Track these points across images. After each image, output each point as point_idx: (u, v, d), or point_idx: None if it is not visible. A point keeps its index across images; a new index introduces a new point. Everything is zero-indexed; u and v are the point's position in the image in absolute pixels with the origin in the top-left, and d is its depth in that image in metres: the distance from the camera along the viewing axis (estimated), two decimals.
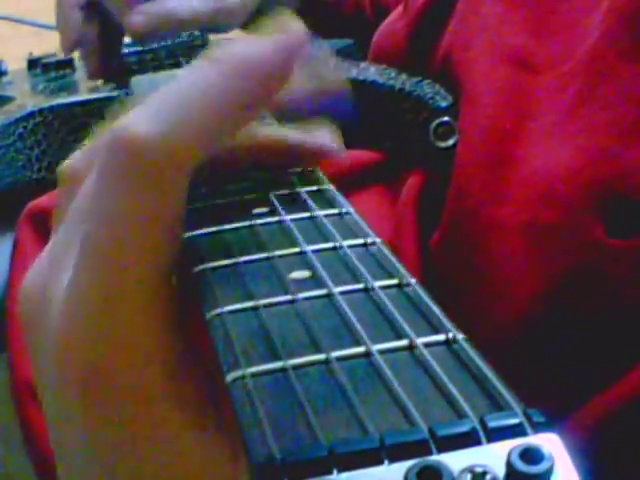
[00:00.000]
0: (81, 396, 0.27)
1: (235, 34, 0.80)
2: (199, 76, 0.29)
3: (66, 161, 0.32)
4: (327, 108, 0.39)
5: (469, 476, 0.19)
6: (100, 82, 0.71)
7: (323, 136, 0.36)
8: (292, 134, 0.36)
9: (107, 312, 0.27)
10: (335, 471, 0.20)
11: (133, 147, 0.27)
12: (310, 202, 0.33)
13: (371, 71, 0.56)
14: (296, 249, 0.30)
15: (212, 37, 0.76)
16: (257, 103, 0.30)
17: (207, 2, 0.70)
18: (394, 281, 0.28)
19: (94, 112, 0.64)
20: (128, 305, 0.27)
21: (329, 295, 0.27)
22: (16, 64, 0.80)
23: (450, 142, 0.49)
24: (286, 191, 0.34)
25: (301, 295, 0.27)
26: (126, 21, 0.67)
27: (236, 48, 0.29)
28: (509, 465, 0.19)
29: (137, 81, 0.62)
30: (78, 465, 0.29)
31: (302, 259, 0.29)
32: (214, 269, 0.29)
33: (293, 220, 0.32)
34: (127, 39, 0.75)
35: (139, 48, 0.73)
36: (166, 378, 0.28)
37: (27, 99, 0.69)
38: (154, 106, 0.28)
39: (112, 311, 0.27)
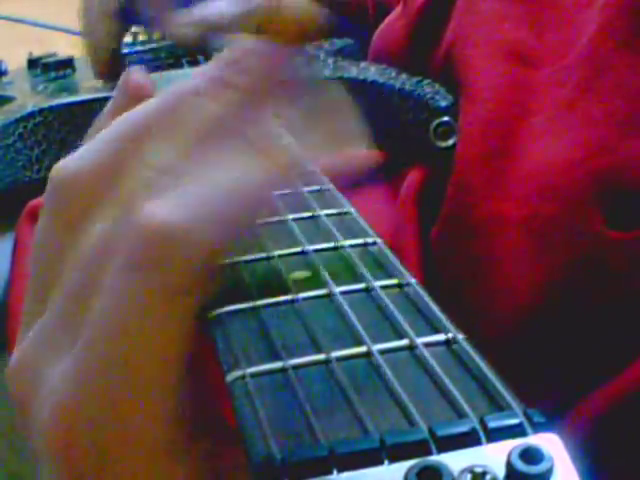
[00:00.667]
0: None
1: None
2: (242, 172, 0.28)
3: (58, 165, 0.31)
4: None
5: (469, 476, 0.19)
6: (100, 82, 0.71)
7: None
8: None
9: (111, 410, 0.26)
10: (335, 471, 0.20)
11: (163, 236, 0.25)
12: (311, 202, 0.33)
13: (371, 71, 0.56)
14: (297, 249, 0.30)
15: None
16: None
17: (240, 4, 0.69)
18: (394, 281, 0.28)
19: (94, 112, 0.64)
20: (134, 408, 0.26)
21: (329, 295, 0.27)
22: (16, 64, 0.80)
23: (450, 142, 0.49)
24: (287, 190, 0.34)
25: (301, 295, 0.27)
26: (173, 32, 0.67)
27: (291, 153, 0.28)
28: (509, 465, 0.19)
29: None
30: None
31: (303, 259, 0.29)
32: None
33: (294, 219, 0.32)
34: (127, 39, 0.75)
35: (139, 48, 0.73)
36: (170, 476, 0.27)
37: (27, 99, 0.69)
38: (190, 194, 0.27)
39: (115, 412, 0.26)
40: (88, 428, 0.26)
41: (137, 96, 0.34)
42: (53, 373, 0.27)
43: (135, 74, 0.35)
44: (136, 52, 0.73)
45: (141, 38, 0.80)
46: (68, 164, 0.30)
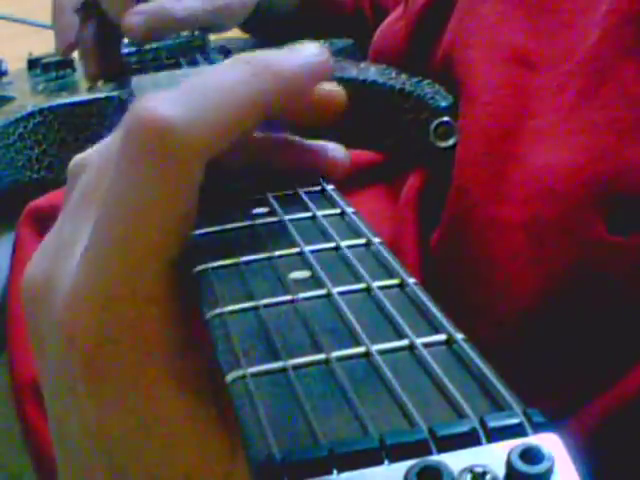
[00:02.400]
0: (86, 373, 0.28)
1: (234, 33, 0.80)
2: (229, 72, 0.30)
3: (77, 156, 0.33)
4: None
5: (469, 476, 0.19)
6: (100, 82, 0.70)
7: (327, 143, 0.37)
8: (297, 137, 0.37)
9: (117, 289, 0.28)
10: (335, 471, 0.20)
11: (157, 127, 0.28)
12: (310, 202, 0.33)
13: (371, 71, 0.56)
14: (296, 249, 0.30)
15: (212, 37, 0.76)
16: (277, 108, 0.32)
17: (205, 1, 0.69)
18: (394, 281, 0.28)
19: (94, 112, 0.64)
20: (138, 283, 0.28)
21: (329, 295, 0.27)
22: (16, 64, 0.80)
23: (450, 142, 0.49)
24: (286, 192, 0.34)
25: (301, 295, 0.27)
26: (123, 22, 0.67)
27: (267, 54, 0.31)
28: (509, 465, 0.19)
29: (137, 81, 0.62)
30: (80, 458, 0.29)
31: (302, 259, 0.29)
32: (214, 269, 0.29)
33: (293, 220, 0.32)
34: (127, 39, 0.75)
35: (139, 48, 0.73)
36: (168, 359, 0.28)
37: (27, 99, 0.69)
38: (181, 92, 0.29)
39: (122, 288, 0.28)
40: (96, 307, 0.28)
41: None
42: (64, 271, 0.29)
43: None
44: (136, 52, 0.73)
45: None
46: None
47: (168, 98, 0.29)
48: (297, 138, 0.36)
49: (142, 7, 0.67)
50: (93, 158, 0.32)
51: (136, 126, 0.28)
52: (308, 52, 0.33)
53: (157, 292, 0.28)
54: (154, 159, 0.28)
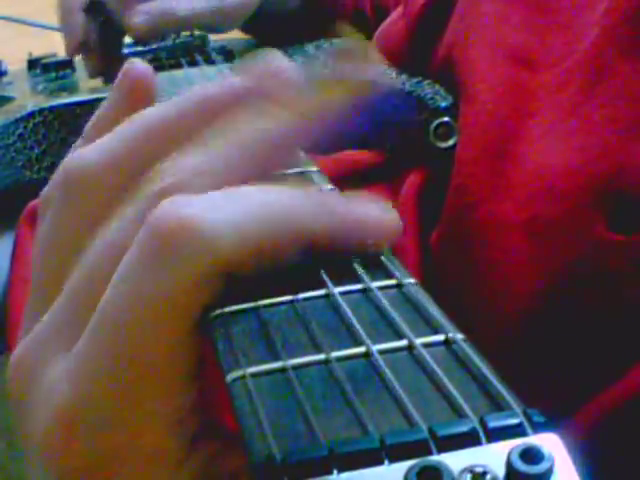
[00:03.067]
0: None
1: (234, 34, 0.80)
2: (290, 196, 0.27)
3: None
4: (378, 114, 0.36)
5: (469, 476, 0.19)
6: (100, 82, 0.71)
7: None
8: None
9: (116, 407, 0.25)
10: (335, 471, 0.20)
11: (196, 238, 0.24)
12: None
13: (371, 71, 0.56)
14: None
15: (212, 37, 0.76)
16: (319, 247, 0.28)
17: (206, 2, 0.70)
18: (394, 281, 0.28)
19: (94, 112, 0.64)
20: (137, 409, 0.25)
21: (329, 295, 0.27)
22: (16, 64, 0.80)
23: (450, 142, 0.49)
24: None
25: (301, 295, 0.27)
26: (126, 21, 0.67)
27: (345, 203, 0.28)
28: (509, 465, 0.19)
29: None
30: None
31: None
32: None
33: None
34: (128, 39, 0.75)
35: (139, 48, 0.73)
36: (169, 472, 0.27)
37: (27, 99, 0.69)
38: (227, 199, 0.26)
39: (123, 406, 0.25)
40: (88, 430, 0.26)
41: (139, 89, 0.33)
42: (54, 372, 0.27)
43: (137, 66, 0.34)
44: (136, 52, 0.73)
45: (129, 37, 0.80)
46: (86, 156, 0.29)
47: (199, 199, 0.25)
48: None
49: (145, 6, 0.67)
50: (55, 245, 0.29)
51: (157, 222, 0.25)
52: (382, 214, 0.28)
53: (170, 400, 0.26)
54: (170, 260, 0.25)
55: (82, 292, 0.27)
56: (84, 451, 0.26)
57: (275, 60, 0.31)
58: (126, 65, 0.34)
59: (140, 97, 0.33)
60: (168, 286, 0.25)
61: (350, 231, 0.28)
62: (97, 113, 0.34)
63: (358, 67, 0.30)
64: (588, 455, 0.23)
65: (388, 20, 0.61)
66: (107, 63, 0.72)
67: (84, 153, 0.30)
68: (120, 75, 0.34)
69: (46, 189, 0.30)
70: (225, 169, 0.28)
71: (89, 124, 0.34)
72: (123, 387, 0.25)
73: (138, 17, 0.67)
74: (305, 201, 0.27)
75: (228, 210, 0.25)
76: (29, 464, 0.28)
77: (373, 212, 0.28)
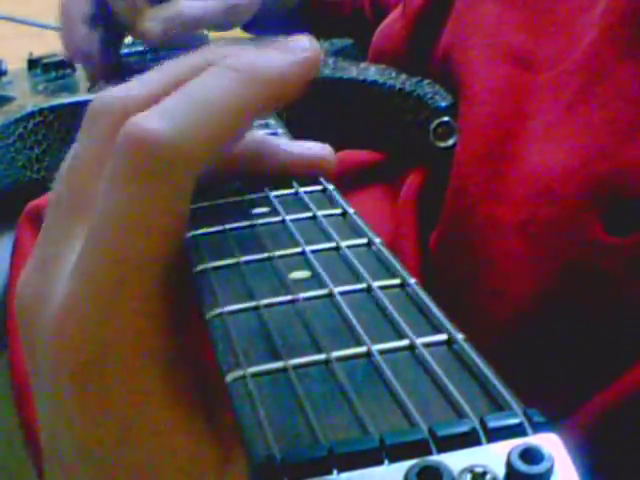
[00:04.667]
0: (76, 387, 0.27)
1: (234, 33, 0.80)
2: (215, 81, 0.30)
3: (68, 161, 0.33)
4: None
5: (469, 476, 0.19)
6: (100, 82, 0.70)
7: (314, 146, 0.37)
8: (283, 142, 0.37)
9: (108, 302, 0.27)
10: (335, 471, 0.20)
11: (152, 144, 0.28)
12: (310, 202, 0.33)
13: (371, 71, 0.56)
14: (296, 249, 0.30)
15: (211, 36, 0.76)
16: (266, 112, 0.32)
17: (217, 3, 0.70)
18: (394, 281, 0.28)
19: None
20: (130, 296, 0.28)
21: (329, 295, 0.27)
22: (16, 64, 0.80)
23: (450, 142, 0.49)
24: (286, 191, 0.34)
25: (301, 295, 0.27)
26: (139, 29, 0.67)
27: (253, 57, 0.31)
28: (509, 465, 0.19)
29: None
30: (68, 469, 0.29)
31: (303, 259, 0.29)
32: (214, 269, 0.29)
33: (293, 220, 0.32)
34: (127, 39, 0.75)
35: (139, 48, 0.73)
36: (160, 372, 0.28)
37: (27, 99, 0.69)
38: (170, 105, 0.29)
39: (113, 301, 0.28)
40: (89, 324, 0.27)
41: None
42: (54, 283, 0.29)
43: None
44: (136, 52, 0.73)
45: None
46: (107, 93, 0.32)
47: (156, 112, 0.29)
48: (284, 143, 0.36)
49: (157, 12, 0.67)
50: (79, 164, 0.32)
51: (125, 143, 0.28)
52: (297, 48, 0.32)
53: (151, 304, 0.28)
54: (145, 175, 0.28)
55: (71, 208, 0.30)
56: (84, 341, 0.27)
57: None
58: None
59: None
60: (148, 196, 0.28)
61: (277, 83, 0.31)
62: None
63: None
64: (588, 455, 0.23)
65: (387, 20, 0.61)
66: (107, 70, 0.71)
67: (105, 92, 0.33)
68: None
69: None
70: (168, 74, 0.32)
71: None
72: (115, 284, 0.28)
73: (152, 24, 0.67)
74: (238, 83, 0.30)
75: (179, 114, 0.29)
76: (37, 381, 0.30)
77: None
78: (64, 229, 0.30)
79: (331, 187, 0.35)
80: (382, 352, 0.24)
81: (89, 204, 0.30)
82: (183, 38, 0.70)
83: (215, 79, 0.30)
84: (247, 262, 0.29)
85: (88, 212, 0.30)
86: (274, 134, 0.41)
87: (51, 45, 0.77)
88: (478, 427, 0.21)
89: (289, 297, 0.27)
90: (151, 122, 0.28)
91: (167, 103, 0.29)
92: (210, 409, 0.28)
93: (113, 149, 0.29)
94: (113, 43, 0.72)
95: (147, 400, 0.28)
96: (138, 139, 0.28)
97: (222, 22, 0.71)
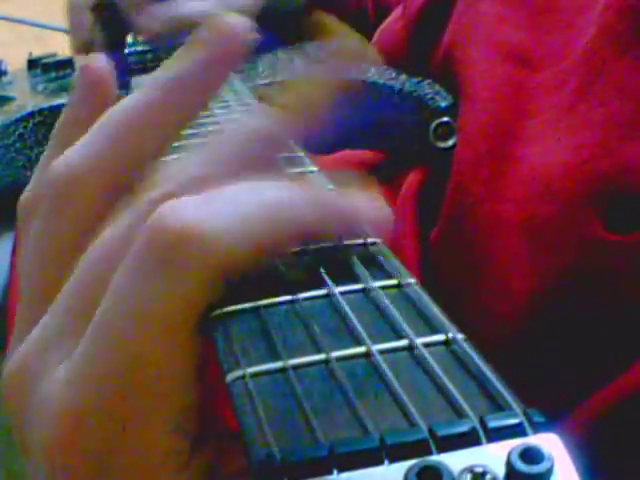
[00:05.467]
0: None
1: None
2: (284, 190, 0.27)
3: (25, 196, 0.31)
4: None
5: (469, 476, 0.19)
6: None
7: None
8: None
9: (112, 418, 0.25)
10: (335, 471, 0.20)
11: (181, 233, 0.24)
12: None
13: (371, 71, 0.56)
14: (295, 249, 0.30)
15: None
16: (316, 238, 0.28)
17: (217, 2, 0.69)
18: (394, 281, 0.28)
19: None
20: (139, 413, 0.25)
21: (329, 295, 0.27)
22: (16, 64, 0.80)
23: (450, 142, 0.49)
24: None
25: (301, 295, 0.27)
26: (138, 23, 0.67)
27: (334, 196, 0.28)
28: (509, 465, 0.19)
29: (137, 82, 0.62)
30: None
31: (303, 259, 0.29)
32: None
33: None
34: (129, 39, 0.75)
35: (139, 48, 0.73)
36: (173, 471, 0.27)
37: (27, 99, 0.68)
38: (215, 199, 0.26)
39: (119, 417, 0.25)
40: (90, 435, 0.25)
41: (98, 86, 0.33)
42: (52, 379, 0.26)
43: (92, 65, 0.34)
44: (136, 52, 0.73)
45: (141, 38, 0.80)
46: (71, 160, 0.29)
47: (197, 202, 0.25)
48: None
49: (158, 8, 0.67)
50: (53, 252, 0.29)
51: (156, 229, 0.25)
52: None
53: (167, 410, 0.26)
54: (171, 267, 0.24)
55: (78, 299, 0.27)
56: (88, 451, 0.25)
57: (221, 21, 0.32)
58: (81, 65, 0.34)
59: (101, 95, 0.33)
60: (171, 294, 0.25)
61: (345, 226, 0.28)
62: (62, 118, 0.34)
63: (348, 65, 0.30)
64: (588, 455, 0.23)
65: (388, 20, 0.61)
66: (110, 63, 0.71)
67: (68, 157, 0.30)
68: (77, 75, 0.34)
69: (26, 196, 0.30)
70: (221, 169, 0.28)
71: (56, 131, 0.34)
72: (125, 389, 0.25)
73: (150, 19, 0.67)
74: (300, 196, 0.27)
75: (227, 212, 0.25)
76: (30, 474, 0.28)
77: (367, 206, 0.28)
78: (67, 314, 0.27)
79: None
80: (382, 352, 0.24)
81: (86, 302, 0.27)
82: (182, 37, 0.70)
83: (284, 189, 0.27)
84: None
85: (83, 306, 0.27)
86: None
87: (51, 45, 0.77)
88: (478, 427, 0.21)
89: (289, 297, 0.27)
90: (194, 213, 0.24)
91: (219, 197, 0.26)
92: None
93: (134, 236, 0.25)
94: (118, 38, 0.72)
95: None
96: (171, 229, 0.24)
97: None
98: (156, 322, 0.25)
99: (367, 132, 0.55)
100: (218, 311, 0.27)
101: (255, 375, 0.24)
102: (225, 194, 0.26)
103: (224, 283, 0.26)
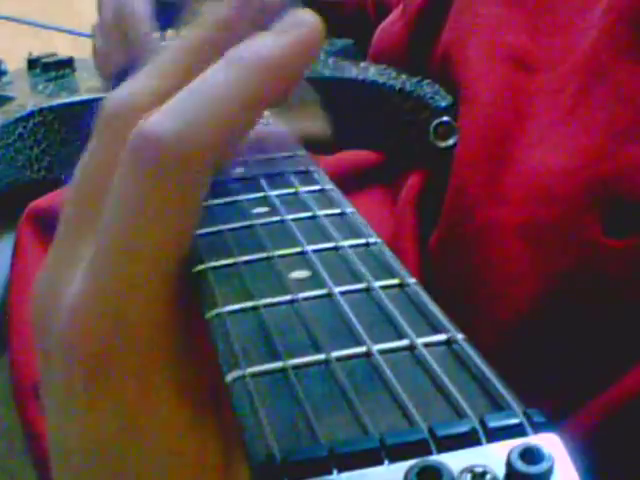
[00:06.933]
0: (87, 383, 0.28)
1: None
2: (221, 76, 0.30)
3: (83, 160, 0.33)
4: None
5: (469, 476, 0.19)
6: (100, 82, 0.70)
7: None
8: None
9: (122, 296, 0.28)
10: (335, 471, 0.20)
11: (159, 145, 0.28)
12: (310, 202, 0.33)
13: (371, 71, 0.56)
14: (296, 249, 0.30)
15: None
16: (275, 100, 0.31)
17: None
18: (394, 281, 0.28)
19: (94, 112, 0.64)
20: (144, 291, 0.28)
21: (329, 295, 0.27)
22: (16, 64, 0.80)
23: (450, 142, 0.49)
24: (286, 190, 0.34)
25: (301, 295, 0.27)
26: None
27: (256, 46, 0.30)
28: (509, 465, 0.19)
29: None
30: (77, 469, 0.29)
31: (302, 259, 0.29)
32: (214, 269, 0.29)
33: (293, 220, 0.32)
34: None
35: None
36: (171, 368, 0.28)
37: (27, 99, 0.68)
38: (178, 105, 0.29)
39: (127, 296, 0.28)
40: (102, 316, 0.28)
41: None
42: (68, 282, 0.29)
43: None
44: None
45: None
46: (120, 92, 0.33)
47: (163, 113, 0.29)
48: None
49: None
50: (92, 169, 0.31)
51: (134, 147, 0.28)
52: (298, 25, 0.31)
53: (164, 299, 0.28)
54: (157, 175, 0.28)
55: (85, 205, 0.31)
56: (96, 336, 0.27)
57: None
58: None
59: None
60: (156, 195, 0.28)
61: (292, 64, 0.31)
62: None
63: None
64: (587, 454, 0.23)
65: (388, 19, 0.61)
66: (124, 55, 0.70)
67: (114, 92, 0.33)
68: None
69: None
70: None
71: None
72: (129, 279, 0.28)
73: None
74: (244, 75, 0.29)
75: (186, 112, 0.28)
76: (48, 378, 0.30)
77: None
78: (78, 232, 0.30)
79: (331, 186, 0.35)
80: (382, 352, 0.24)
81: (102, 210, 0.30)
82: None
83: (221, 74, 0.30)
84: (247, 262, 0.29)
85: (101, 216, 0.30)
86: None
87: (51, 45, 0.77)
88: (478, 427, 0.21)
89: (289, 297, 0.27)
90: (159, 124, 0.28)
91: (175, 103, 0.29)
92: (216, 410, 0.29)
93: (124, 152, 0.29)
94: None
95: (157, 396, 0.28)
96: (147, 142, 0.28)
97: None
98: (152, 220, 0.28)
99: (367, 132, 0.56)
100: (216, 311, 0.27)
101: (255, 375, 0.24)
102: (183, 98, 0.29)
103: (206, 177, 0.29)
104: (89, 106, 0.65)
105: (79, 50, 0.76)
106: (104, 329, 0.28)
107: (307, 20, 0.31)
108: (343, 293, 0.27)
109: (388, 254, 0.29)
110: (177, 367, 0.28)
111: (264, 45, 0.30)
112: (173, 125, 0.28)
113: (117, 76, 0.70)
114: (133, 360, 0.28)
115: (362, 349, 0.24)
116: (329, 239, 0.30)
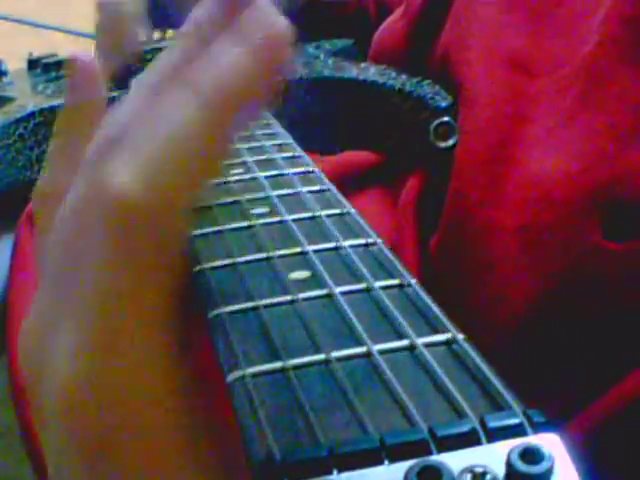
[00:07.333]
0: (86, 462, 0.27)
1: None
2: (175, 112, 0.26)
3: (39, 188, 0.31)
4: None
5: (469, 476, 0.19)
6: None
7: None
8: None
9: (109, 369, 0.26)
10: (335, 471, 0.20)
11: (121, 209, 0.25)
12: (311, 202, 0.33)
13: (371, 71, 0.56)
14: (297, 249, 0.30)
15: None
16: (249, 120, 0.28)
17: None
18: (395, 281, 0.28)
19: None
20: (132, 357, 0.26)
21: (329, 295, 0.27)
22: (16, 64, 0.80)
23: (450, 142, 0.49)
24: (287, 190, 0.34)
25: (301, 295, 0.27)
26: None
27: (216, 74, 0.26)
28: (509, 465, 0.19)
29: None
30: None
31: (303, 259, 0.29)
32: (214, 269, 0.29)
33: (294, 220, 0.32)
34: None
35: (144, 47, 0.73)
36: (179, 445, 0.27)
37: (27, 99, 0.68)
38: (141, 156, 0.26)
39: (115, 366, 0.26)
40: (93, 402, 0.26)
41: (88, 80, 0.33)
42: (55, 345, 0.27)
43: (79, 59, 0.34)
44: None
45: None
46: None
47: (129, 174, 0.25)
48: None
49: None
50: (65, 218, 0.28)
51: (99, 207, 0.25)
52: (265, 34, 0.27)
53: (162, 374, 0.27)
54: (128, 243, 0.25)
55: (61, 270, 0.28)
56: (94, 424, 0.26)
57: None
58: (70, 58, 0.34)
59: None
60: (128, 261, 0.25)
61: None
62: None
63: None
64: (588, 456, 0.23)
65: (388, 20, 0.61)
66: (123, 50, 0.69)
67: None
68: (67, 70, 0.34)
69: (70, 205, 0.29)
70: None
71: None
72: (117, 364, 0.26)
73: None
74: (202, 109, 0.26)
75: (152, 164, 0.25)
76: (45, 443, 0.29)
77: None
78: (61, 285, 0.28)
79: (332, 187, 0.35)
80: (382, 352, 0.24)
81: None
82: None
83: (174, 109, 0.26)
84: (247, 262, 0.29)
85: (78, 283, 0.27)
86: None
87: (51, 45, 0.76)
88: (478, 427, 0.21)
89: (289, 297, 0.27)
90: (119, 184, 0.25)
91: (130, 152, 0.26)
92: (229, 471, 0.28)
93: (88, 211, 0.26)
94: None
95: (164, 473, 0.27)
96: (117, 208, 0.25)
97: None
98: (134, 290, 0.26)
99: (367, 132, 0.56)
100: (216, 311, 0.27)
101: (255, 375, 0.24)
102: (135, 141, 0.26)
103: (185, 220, 0.26)
104: None
105: (79, 50, 0.76)
106: (104, 421, 0.26)
107: (274, 27, 0.27)
108: (343, 293, 0.27)
109: (388, 254, 0.29)
110: (185, 445, 0.27)
111: (219, 72, 0.26)
112: (138, 184, 0.25)
113: (117, 76, 0.70)
114: (133, 442, 0.26)
115: (362, 349, 0.24)
116: (330, 239, 0.30)
